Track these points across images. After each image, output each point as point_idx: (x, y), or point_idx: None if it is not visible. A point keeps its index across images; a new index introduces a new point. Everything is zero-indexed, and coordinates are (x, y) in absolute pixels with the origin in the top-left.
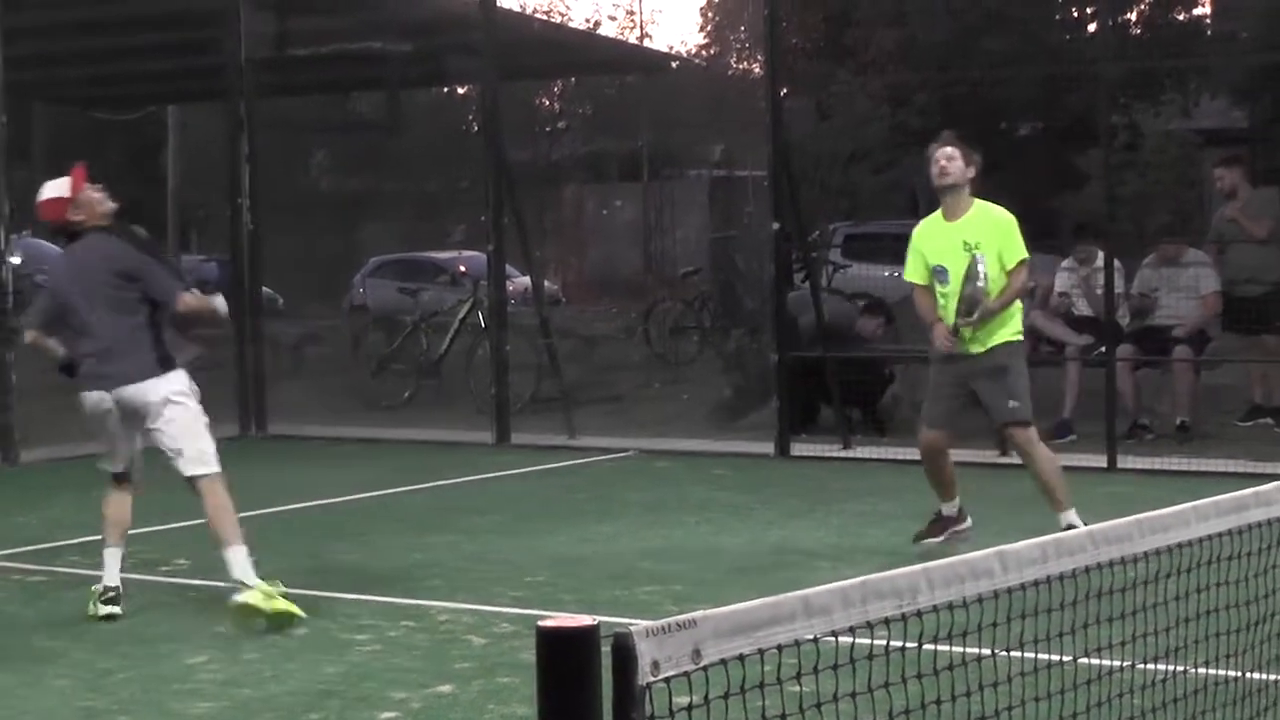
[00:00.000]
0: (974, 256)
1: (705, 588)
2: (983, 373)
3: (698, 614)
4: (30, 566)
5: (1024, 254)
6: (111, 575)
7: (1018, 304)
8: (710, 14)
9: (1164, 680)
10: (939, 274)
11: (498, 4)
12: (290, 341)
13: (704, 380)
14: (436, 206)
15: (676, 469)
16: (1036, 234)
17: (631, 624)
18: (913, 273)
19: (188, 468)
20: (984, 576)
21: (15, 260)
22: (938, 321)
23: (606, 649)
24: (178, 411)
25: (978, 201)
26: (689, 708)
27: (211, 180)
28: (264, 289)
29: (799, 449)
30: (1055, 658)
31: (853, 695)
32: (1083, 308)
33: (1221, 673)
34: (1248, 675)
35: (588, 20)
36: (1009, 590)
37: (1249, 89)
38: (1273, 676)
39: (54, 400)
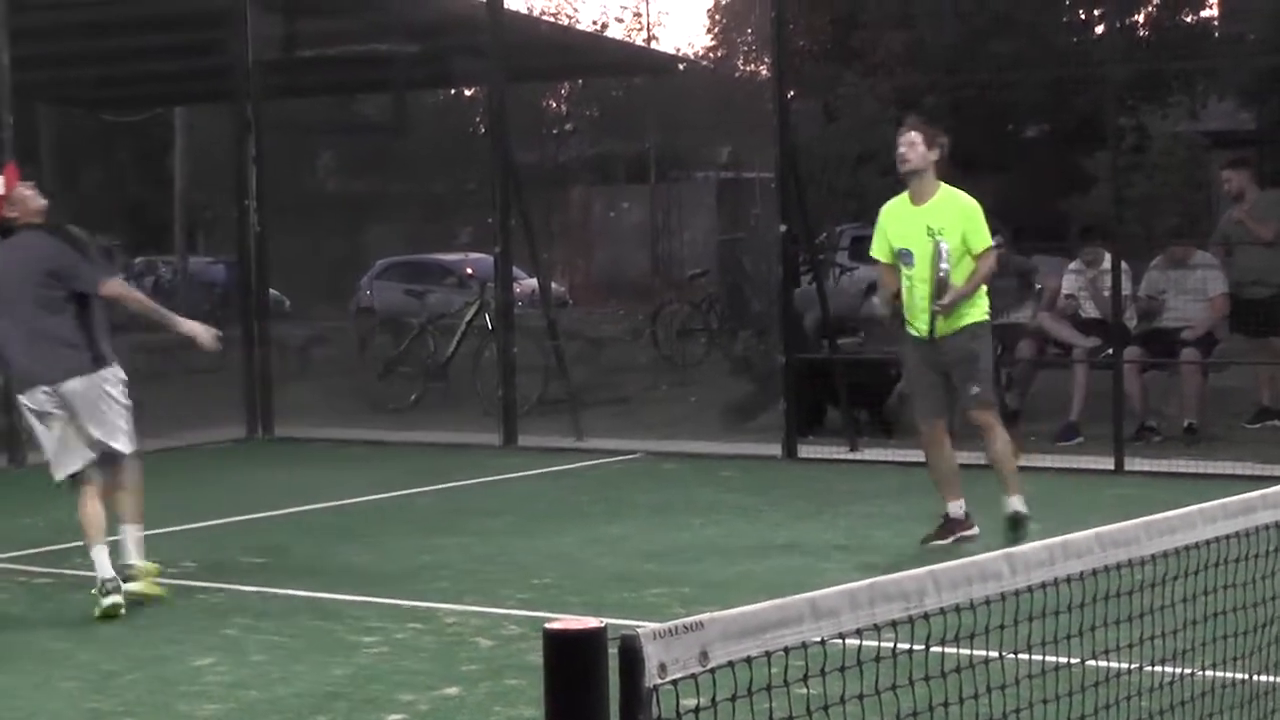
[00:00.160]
0: (937, 243)
1: (712, 590)
2: (951, 354)
3: (705, 616)
4: (36, 569)
5: (989, 241)
6: (104, 569)
7: (984, 288)
8: (717, 16)
9: (1172, 683)
10: (903, 256)
11: (504, 6)
12: (297, 344)
13: (711, 382)
14: (443, 208)
15: (684, 471)
16: (1044, 236)
17: (639, 626)
18: (877, 250)
19: (119, 444)
20: (991, 579)
21: None
22: (892, 296)
23: (614, 651)
24: (110, 405)
25: (944, 187)
26: (696, 710)
27: (218, 182)
28: (271, 291)
29: (806, 451)
30: (1063, 660)
31: (860, 697)
32: (1090, 310)
33: (1229, 675)
34: (1256, 678)
35: (595, 22)
36: (1016, 593)
37: (1257, 91)
38: None
39: None
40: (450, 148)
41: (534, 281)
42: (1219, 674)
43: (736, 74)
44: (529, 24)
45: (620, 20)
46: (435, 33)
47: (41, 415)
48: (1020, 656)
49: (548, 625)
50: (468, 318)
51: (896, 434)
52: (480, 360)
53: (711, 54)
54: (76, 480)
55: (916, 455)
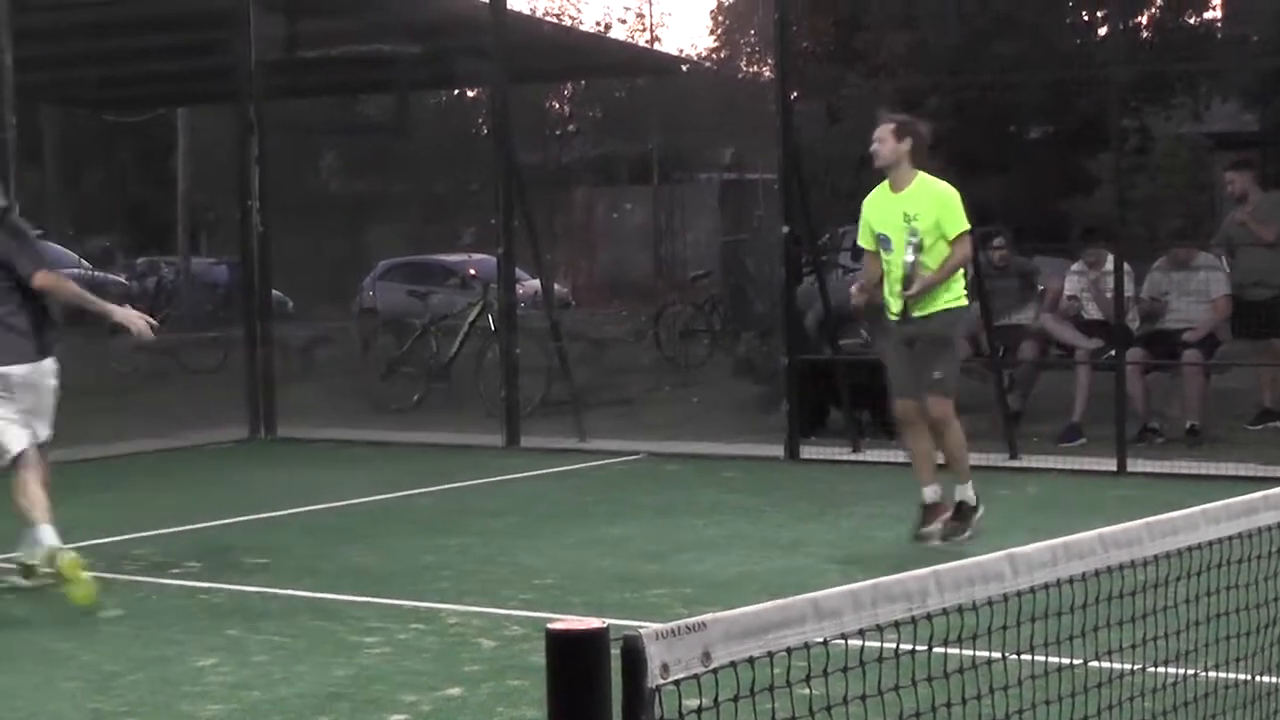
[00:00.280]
0: (911, 227)
1: (715, 590)
2: (922, 337)
3: (707, 617)
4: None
5: (965, 226)
6: (54, 539)
7: (960, 272)
8: (720, 17)
9: (1175, 684)
10: (883, 241)
11: (507, 6)
12: (300, 344)
13: (714, 383)
14: (446, 209)
15: (686, 472)
16: (1046, 237)
17: (641, 626)
18: (862, 238)
19: (46, 434)
20: (994, 579)
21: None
22: (866, 282)
23: (616, 652)
24: (48, 396)
25: (922, 175)
26: (699, 710)
27: (221, 182)
28: (273, 291)
29: (808, 452)
30: (1065, 661)
31: (863, 698)
32: (1092, 311)
33: (1232, 676)
34: (1258, 679)
35: (598, 23)
36: (1019, 593)
37: (1260, 92)
38: None
39: (62, 403)
40: (453, 148)
41: (537, 282)
42: (1222, 675)
43: (739, 75)
44: (532, 25)
45: (623, 21)
46: (438, 33)
47: None
48: (1023, 657)
49: (550, 626)
50: (470, 318)
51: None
52: (483, 361)
53: (714, 55)
54: (17, 462)
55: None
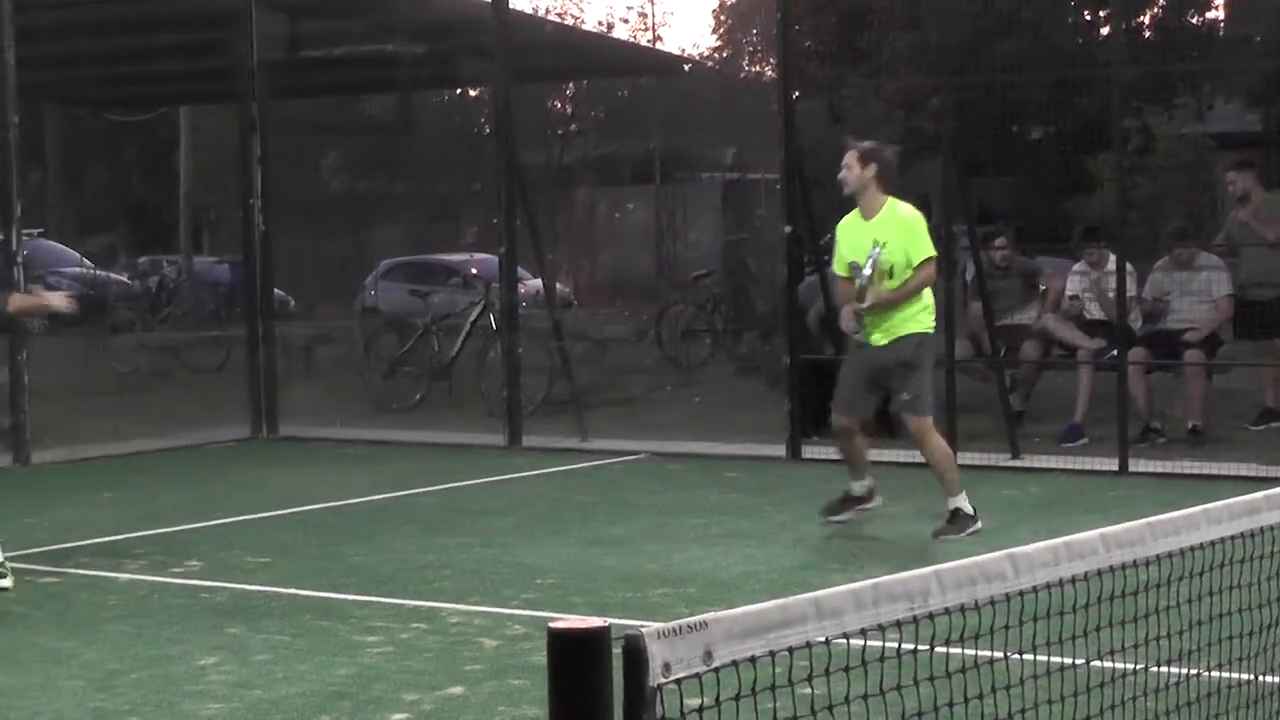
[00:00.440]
0: (874, 249)
1: (716, 590)
2: (889, 364)
3: (709, 616)
4: (41, 568)
5: (930, 252)
6: None
7: (929, 301)
8: (723, 17)
9: (1177, 684)
10: (855, 269)
11: (509, 6)
12: (301, 343)
13: (716, 383)
14: (448, 208)
15: (688, 471)
16: (1048, 237)
17: (643, 626)
18: (836, 265)
19: None
20: (996, 579)
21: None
22: (845, 305)
23: (618, 651)
24: None
25: (890, 200)
26: (700, 709)
27: (223, 182)
28: (275, 291)
29: (810, 451)
30: (1067, 661)
31: (864, 697)
32: (1094, 311)
33: (1235, 676)
34: (1261, 679)
35: (600, 23)
36: (1021, 593)
37: (1263, 92)
38: None
39: (66, 402)
40: (455, 148)
41: (539, 282)
42: (1224, 675)
43: (742, 75)
44: (534, 24)
45: (625, 21)
46: (440, 33)
47: None
48: (1025, 657)
49: (552, 625)
50: (472, 318)
51: (901, 434)
52: (485, 360)
53: (717, 55)
54: None
55: (920, 456)
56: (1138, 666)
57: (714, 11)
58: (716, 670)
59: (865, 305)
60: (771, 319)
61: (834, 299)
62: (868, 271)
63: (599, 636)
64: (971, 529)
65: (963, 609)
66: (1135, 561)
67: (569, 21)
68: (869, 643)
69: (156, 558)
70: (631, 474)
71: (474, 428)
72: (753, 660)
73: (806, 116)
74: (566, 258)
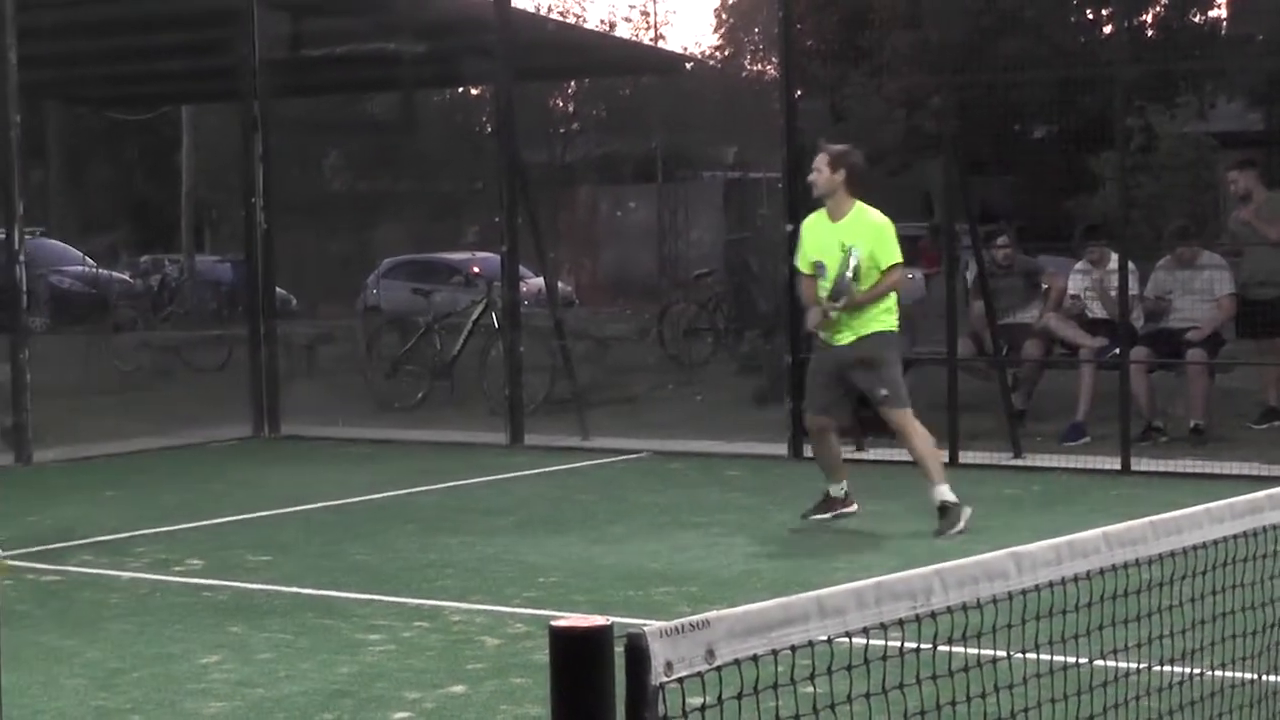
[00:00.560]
0: (849, 251)
1: (719, 588)
2: (856, 363)
3: (711, 614)
4: (43, 566)
5: (898, 258)
6: None
7: (891, 303)
8: (725, 16)
9: (1180, 683)
10: (819, 268)
11: (512, 5)
12: (303, 342)
13: (718, 382)
14: (450, 207)
15: (690, 470)
16: (1050, 236)
17: (645, 624)
18: (800, 262)
19: None
20: (998, 578)
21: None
22: (814, 305)
23: (620, 649)
24: None
25: (859, 205)
26: (702, 708)
27: (225, 180)
28: (277, 289)
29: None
30: (1070, 659)
31: (866, 696)
32: (1097, 310)
33: (1238, 675)
34: (1264, 678)
35: (602, 21)
36: (1023, 592)
37: (1265, 92)
38: None
39: (68, 401)
40: (457, 147)
41: (540, 280)
42: (1227, 674)
43: (744, 73)
44: (536, 23)
45: (628, 19)
46: (442, 32)
47: None
48: (1027, 656)
49: (554, 623)
50: (474, 316)
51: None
52: (486, 359)
53: (719, 53)
54: None
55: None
56: (1140, 665)
57: (716, 10)
58: (719, 669)
59: (840, 305)
60: (773, 318)
61: (800, 297)
62: (849, 274)
63: (601, 635)
64: (965, 516)
65: (965, 608)
66: (1137, 560)
67: (571, 20)
68: (871, 641)
69: (158, 556)
70: (633, 473)
71: (476, 426)
72: (755, 659)
73: (808, 115)
74: (568, 256)
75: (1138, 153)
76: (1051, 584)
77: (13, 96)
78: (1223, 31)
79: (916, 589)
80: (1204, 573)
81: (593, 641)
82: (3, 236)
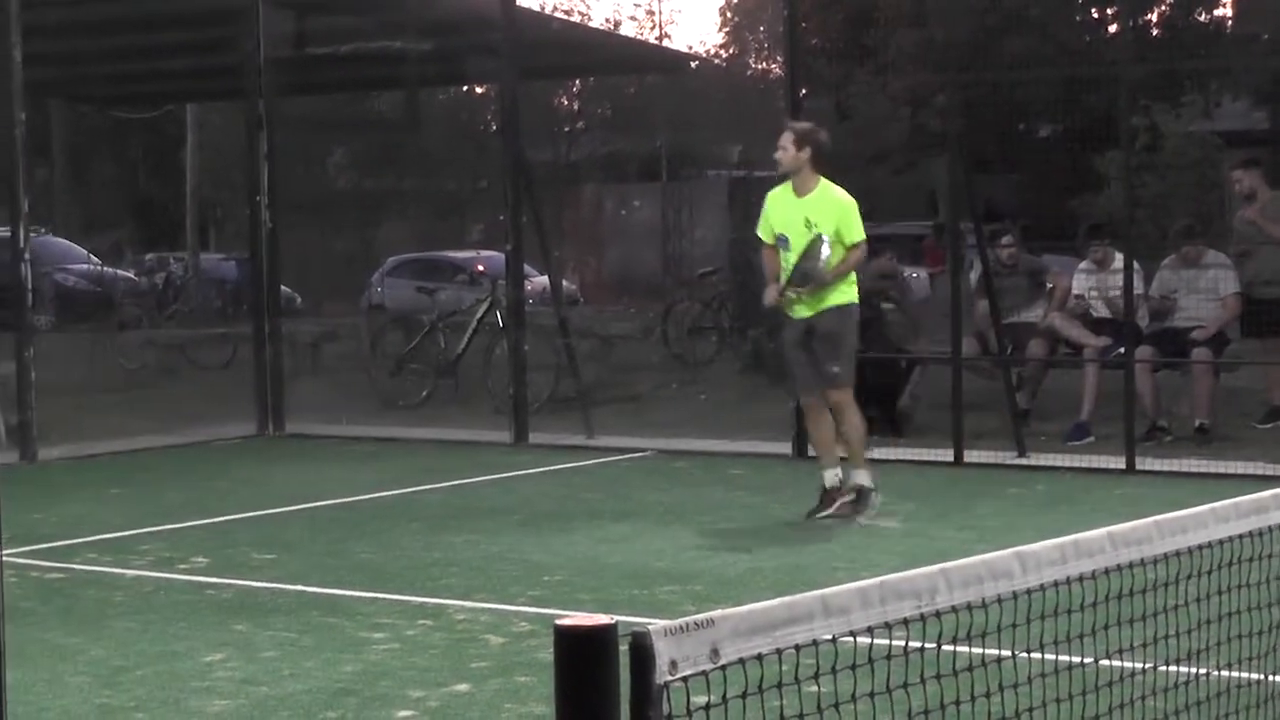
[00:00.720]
0: (820, 237)
1: (723, 587)
2: (816, 334)
3: (716, 613)
4: (48, 564)
5: (862, 235)
6: None
7: (852, 276)
8: (730, 14)
9: (1186, 683)
10: (782, 241)
11: (517, 3)
12: (308, 340)
13: (722, 381)
14: (455, 206)
15: (694, 469)
16: (1055, 235)
17: (650, 623)
18: (762, 231)
19: None
20: (1003, 577)
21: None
22: (773, 282)
23: (624, 648)
24: None
25: (824, 182)
26: (707, 707)
27: (230, 178)
28: (282, 287)
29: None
30: (1075, 659)
31: (871, 695)
32: (1101, 309)
33: (1243, 675)
34: (1270, 678)
35: (607, 20)
36: (1028, 591)
37: (1270, 90)
38: None
39: (73, 399)
40: (462, 145)
41: (545, 279)
42: (1233, 674)
43: (749, 72)
44: (541, 21)
45: (633, 18)
46: (447, 30)
47: None
48: (1032, 655)
49: (558, 622)
50: (479, 315)
51: (907, 432)
52: (491, 357)
53: (724, 52)
54: None
55: (927, 454)
56: (1146, 665)
57: (721, 9)
58: (723, 668)
59: (805, 290)
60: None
61: (764, 269)
62: (820, 262)
63: (605, 634)
64: (874, 504)
65: (970, 607)
66: (1143, 560)
67: (576, 19)
68: (876, 641)
69: (163, 554)
70: (637, 471)
71: (480, 425)
72: (759, 658)
73: (813, 114)
74: (573, 255)
75: (1143, 152)
76: (1056, 583)
77: (18, 95)
78: (1228, 30)
79: (921, 588)
80: (1209, 572)
81: (597, 640)
82: (8, 234)
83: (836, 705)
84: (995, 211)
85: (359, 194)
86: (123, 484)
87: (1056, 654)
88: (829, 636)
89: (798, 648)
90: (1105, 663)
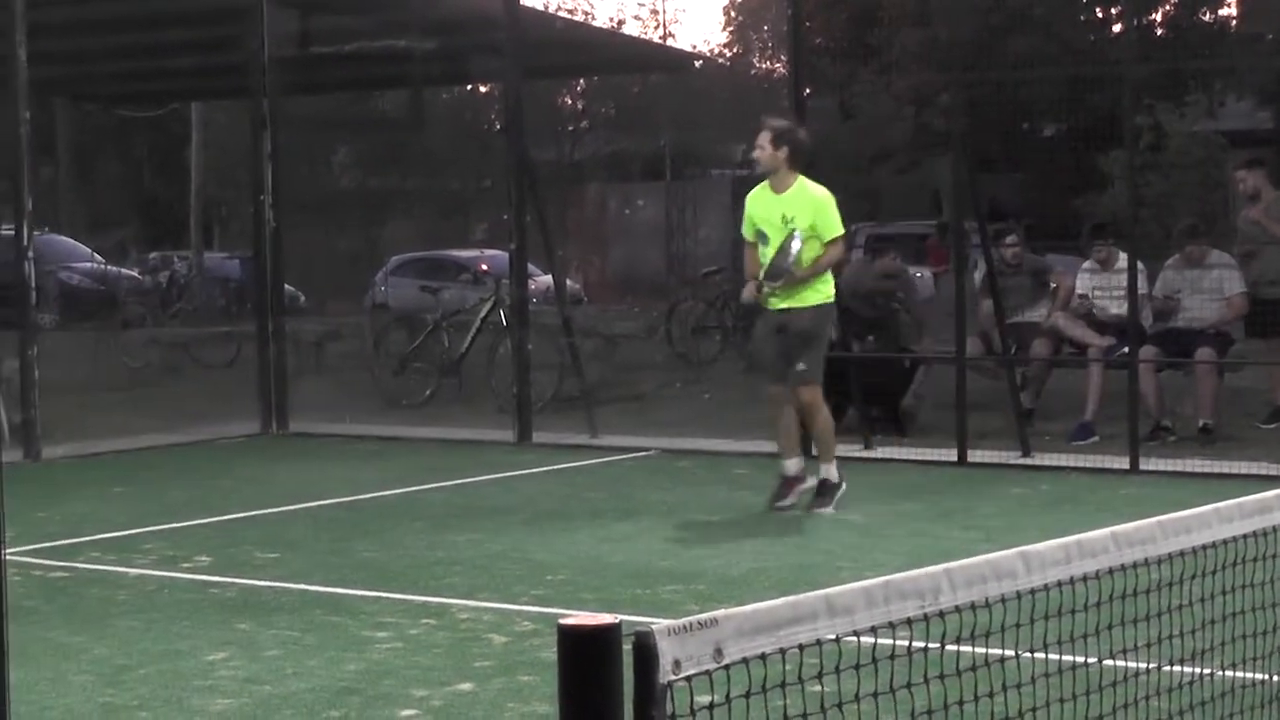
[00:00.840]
0: (792, 233)
1: (727, 587)
2: (789, 330)
3: (719, 613)
4: (51, 562)
5: (839, 230)
6: None
7: (828, 273)
8: (734, 13)
9: (1190, 683)
10: (761, 237)
11: (521, 2)
12: (312, 339)
13: (725, 380)
14: (459, 205)
15: (698, 468)
16: (1059, 235)
17: (653, 622)
18: (745, 230)
19: None
20: (1007, 577)
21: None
22: (752, 279)
23: (628, 647)
24: None
25: (801, 179)
26: (710, 706)
27: (234, 177)
28: (286, 286)
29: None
30: (1079, 659)
31: (874, 695)
32: (1104, 309)
33: (1248, 675)
34: (1275, 678)
35: (611, 19)
36: (1032, 591)
37: (1274, 90)
38: None
39: (76, 397)
40: (466, 144)
41: (549, 278)
42: (1237, 674)
43: (753, 71)
44: (545, 21)
45: (637, 17)
46: (452, 29)
47: None
48: (1036, 655)
49: (562, 621)
50: (482, 314)
51: (911, 432)
52: (495, 357)
53: (727, 51)
54: None
55: (931, 454)
56: (1149, 665)
57: (725, 8)
58: (727, 667)
59: (779, 284)
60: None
61: (744, 267)
62: (790, 258)
63: (609, 633)
64: (839, 495)
65: (974, 607)
66: (1146, 560)
67: (580, 18)
68: (879, 640)
69: (166, 553)
70: (641, 470)
71: (484, 424)
72: (763, 657)
73: (817, 113)
74: (577, 254)
75: (1147, 151)
76: (1060, 583)
77: (22, 93)
78: (1232, 30)
79: (925, 588)
80: (1213, 572)
81: (601, 640)
82: (12, 233)
83: (840, 705)
84: (999, 211)
85: (363, 193)
86: (126, 482)
87: (1060, 654)
88: (833, 636)
89: (801, 647)
90: (1109, 663)
